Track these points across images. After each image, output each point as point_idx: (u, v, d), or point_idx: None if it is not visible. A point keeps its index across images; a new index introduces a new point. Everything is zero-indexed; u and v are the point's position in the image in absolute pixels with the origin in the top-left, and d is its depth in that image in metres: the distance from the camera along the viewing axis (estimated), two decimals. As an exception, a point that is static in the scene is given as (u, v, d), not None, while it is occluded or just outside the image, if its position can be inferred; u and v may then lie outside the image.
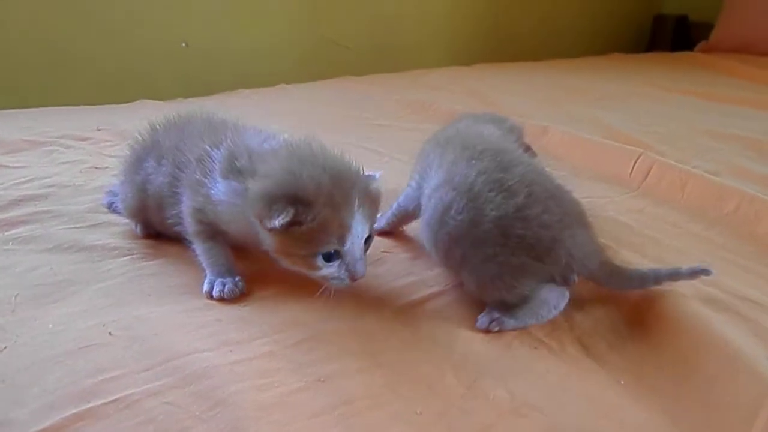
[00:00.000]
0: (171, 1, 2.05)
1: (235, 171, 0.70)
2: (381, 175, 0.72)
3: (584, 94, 1.80)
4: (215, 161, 0.72)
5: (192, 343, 0.59)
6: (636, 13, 3.18)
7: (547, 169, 0.74)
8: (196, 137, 0.77)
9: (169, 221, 0.77)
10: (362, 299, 0.69)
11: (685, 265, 0.66)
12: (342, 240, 0.65)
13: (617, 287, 0.68)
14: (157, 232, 0.84)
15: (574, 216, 0.67)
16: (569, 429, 0.51)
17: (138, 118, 1.45)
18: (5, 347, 0.58)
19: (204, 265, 0.73)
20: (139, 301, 0.67)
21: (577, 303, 0.69)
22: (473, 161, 0.69)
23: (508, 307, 0.65)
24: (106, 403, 0.50)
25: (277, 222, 0.61)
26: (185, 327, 0.62)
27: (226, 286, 0.69)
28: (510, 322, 0.64)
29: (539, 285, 0.65)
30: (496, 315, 0.64)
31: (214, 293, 0.69)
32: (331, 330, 0.63)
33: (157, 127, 0.84)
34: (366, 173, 0.70)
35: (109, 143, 1.28)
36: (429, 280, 0.74)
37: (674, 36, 3.00)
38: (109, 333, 0.60)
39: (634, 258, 0.76)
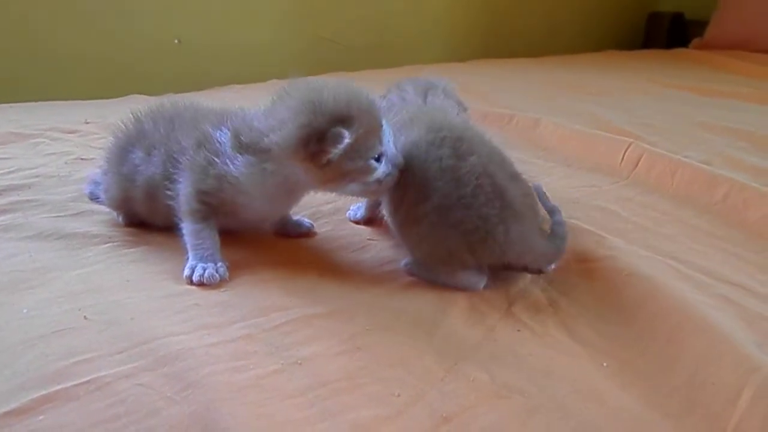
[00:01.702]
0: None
1: (244, 146, 0.71)
2: None
3: (579, 90, 1.79)
4: (221, 141, 0.72)
5: (168, 327, 0.58)
6: (631, 11, 3.18)
7: (504, 153, 0.73)
8: (189, 124, 0.77)
9: (164, 204, 0.76)
10: (344, 284, 0.69)
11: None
12: (381, 139, 0.68)
13: (557, 257, 0.69)
14: (140, 221, 0.83)
15: (515, 210, 0.67)
16: (551, 411, 0.50)
17: (127, 112, 1.45)
18: (-22, 332, 0.57)
19: (188, 246, 0.72)
20: (117, 287, 0.66)
21: (561, 286, 0.69)
22: (433, 147, 0.69)
23: None
24: (76, 385, 0.49)
25: (340, 148, 0.64)
26: (163, 311, 0.61)
27: (207, 271, 0.68)
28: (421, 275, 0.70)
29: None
30: (412, 262, 0.71)
31: (195, 278, 0.68)
32: (311, 314, 0.62)
33: (141, 117, 0.83)
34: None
35: (96, 135, 1.27)
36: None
37: (669, 33, 3.00)
38: (85, 317, 0.59)
39: (619, 243, 0.75)
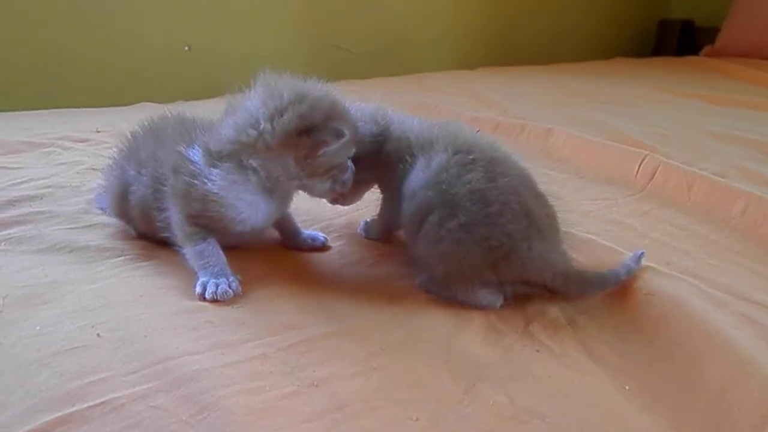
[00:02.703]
0: (173, 6, 2.05)
1: (216, 156, 0.71)
2: None
3: (589, 98, 1.78)
4: (195, 161, 0.72)
5: (182, 345, 0.57)
6: (640, 18, 3.17)
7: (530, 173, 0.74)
8: (170, 143, 0.76)
9: (158, 226, 0.76)
10: (359, 301, 0.68)
11: (627, 258, 0.70)
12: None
13: (577, 293, 0.68)
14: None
15: (539, 228, 0.67)
16: (571, 436, 0.49)
17: (136, 120, 1.45)
18: (-9, 349, 0.56)
19: (195, 267, 0.71)
20: (130, 302, 0.65)
21: (579, 304, 0.68)
22: (463, 169, 0.68)
23: None
24: (90, 407, 0.49)
25: (339, 145, 0.68)
26: (176, 329, 0.60)
27: (219, 287, 0.67)
28: (435, 291, 0.70)
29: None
30: (426, 279, 0.70)
31: (207, 294, 0.67)
32: (326, 332, 0.61)
33: (137, 132, 0.84)
34: None
35: (107, 145, 1.26)
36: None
37: (679, 41, 2.98)
38: (98, 334, 0.59)
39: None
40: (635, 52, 3.00)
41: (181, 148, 0.74)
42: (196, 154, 0.73)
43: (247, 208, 0.72)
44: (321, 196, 0.78)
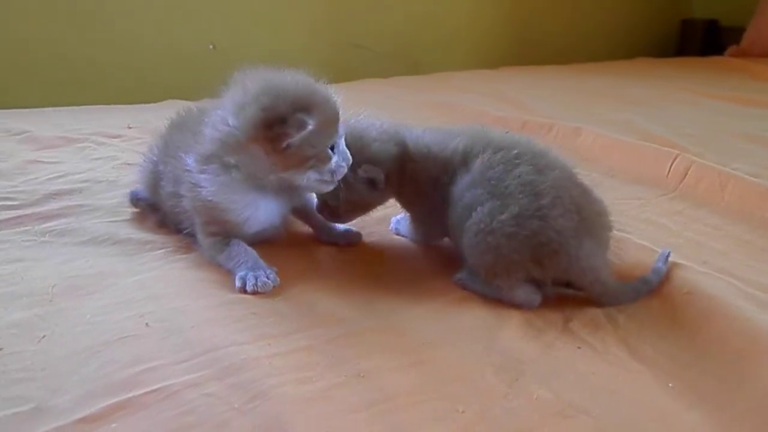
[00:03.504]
0: (198, 7, 2.08)
1: (203, 159, 0.71)
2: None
3: (614, 98, 1.77)
4: (191, 168, 0.72)
5: (229, 335, 0.59)
6: (662, 18, 3.14)
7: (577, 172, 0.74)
8: (186, 142, 0.76)
9: (184, 225, 0.78)
10: (398, 297, 0.68)
11: (656, 261, 0.71)
12: (338, 130, 0.70)
13: (608, 304, 0.67)
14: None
15: (590, 227, 0.68)
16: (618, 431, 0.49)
17: (166, 117, 1.47)
18: (44, 336, 0.58)
19: (229, 267, 0.72)
20: (174, 294, 0.67)
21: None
22: (509, 164, 0.69)
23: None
24: (146, 393, 0.50)
25: (302, 134, 0.65)
26: (222, 320, 0.62)
27: (259, 279, 0.68)
28: (473, 288, 0.70)
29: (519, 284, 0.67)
30: (465, 276, 0.70)
31: (248, 287, 0.68)
32: (368, 327, 0.62)
33: (167, 127, 0.87)
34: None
35: (140, 140, 1.28)
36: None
37: (703, 40, 2.95)
38: (146, 324, 0.60)
39: (674, 259, 0.74)
40: (657, 53, 2.97)
41: (182, 153, 0.74)
42: (191, 160, 0.73)
43: (246, 208, 0.72)
44: (312, 190, 0.76)
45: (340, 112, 0.71)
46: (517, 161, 0.69)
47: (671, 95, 1.81)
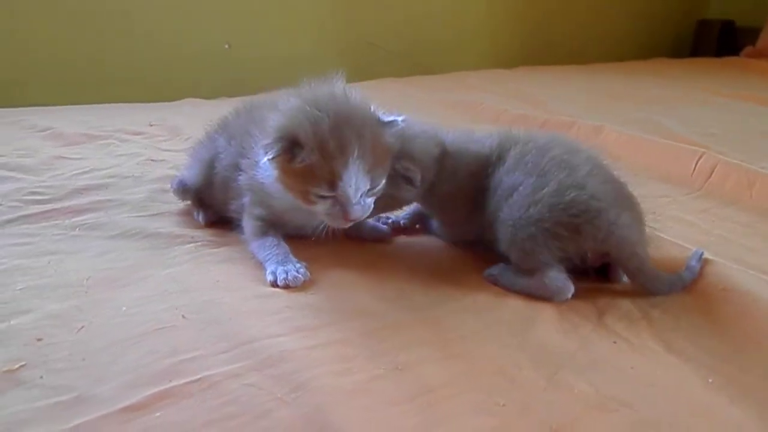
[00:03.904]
0: (213, 8, 2.09)
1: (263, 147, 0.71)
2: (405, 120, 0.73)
3: (633, 97, 1.76)
4: (258, 157, 0.73)
5: (265, 328, 0.59)
6: (677, 19, 3.12)
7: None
8: (256, 126, 0.77)
9: (231, 202, 0.79)
10: (429, 291, 0.68)
11: (689, 259, 0.71)
12: (333, 186, 0.67)
13: (642, 285, 0.68)
14: (217, 219, 0.84)
15: (627, 204, 0.70)
16: (662, 425, 0.49)
17: (185, 115, 1.49)
18: (82, 327, 0.58)
19: (260, 258, 0.73)
20: (208, 287, 0.67)
21: (651, 298, 0.67)
22: (543, 149, 0.72)
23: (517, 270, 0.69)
24: (187, 383, 0.50)
25: (269, 155, 0.66)
26: (256, 312, 0.62)
27: (289, 274, 0.68)
28: (504, 283, 0.70)
29: (554, 265, 0.67)
30: (496, 272, 0.71)
31: (279, 281, 0.68)
32: (402, 320, 0.62)
33: (230, 113, 0.87)
34: (386, 119, 0.71)
35: (161, 138, 1.30)
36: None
37: (719, 41, 2.93)
38: (183, 316, 0.60)
39: (706, 256, 0.73)
40: (672, 53, 2.96)
41: (250, 141, 0.76)
42: (256, 143, 0.74)
43: (289, 202, 0.73)
44: (326, 220, 0.72)
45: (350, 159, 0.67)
46: (551, 145, 0.72)
47: (690, 95, 1.80)
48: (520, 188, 0.69)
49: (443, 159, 0.76)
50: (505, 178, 0.72)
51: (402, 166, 0.73)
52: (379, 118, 0.72)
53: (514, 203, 0.69)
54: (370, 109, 0.72)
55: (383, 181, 0.72)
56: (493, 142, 0.77)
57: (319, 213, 0.70)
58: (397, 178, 0.74)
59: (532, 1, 2.71)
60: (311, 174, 0.67)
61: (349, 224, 0.71)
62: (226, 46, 2.17)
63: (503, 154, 0.75)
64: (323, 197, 0.68)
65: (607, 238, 0.66)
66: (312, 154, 0.66)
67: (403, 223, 0.87)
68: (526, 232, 0.67)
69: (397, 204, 0.81)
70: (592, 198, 0.66)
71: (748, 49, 2.63)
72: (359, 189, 0.68)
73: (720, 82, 1.99)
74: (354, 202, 0.68)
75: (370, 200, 0.71)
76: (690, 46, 3.09)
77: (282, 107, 0.71)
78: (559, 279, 0.66)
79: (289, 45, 2.25)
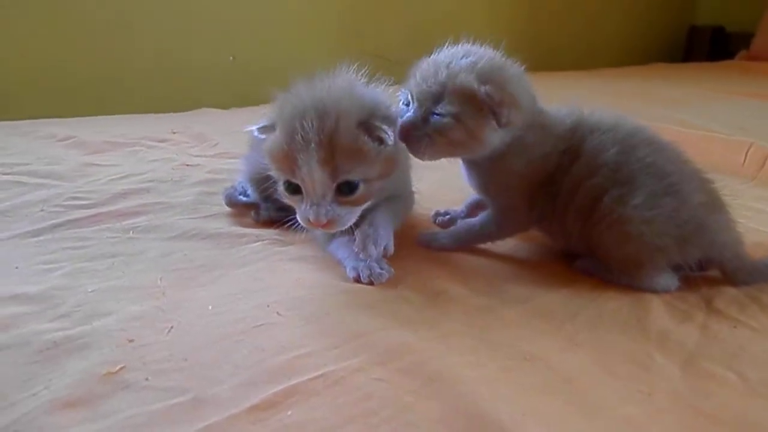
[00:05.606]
0: (220, 20, 2.07)
1: None
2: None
3: (648, 98, 1.76)
4: None
5: (369, 321, 0.55)
6: (669, 25, 3.18)
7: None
8: None
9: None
10: (528, 283, 0.65)
11: None
12: (293, 174, 0.62)
13: (743, 281, 0.65)
14: (272, 219, 0.80)
15: (718, 201, 0.66)
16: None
17: (204, 123, 1.44)
18: (171, 327, 0.54)
19: (340, 257, 0.69)
20: (291, 284, 0.63)
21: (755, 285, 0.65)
22: (626, 146, 0.65)
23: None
24: (310, 380, 0.46)
25: (250, 127, 0.67)
26: (354, 307, 0.58)
27: (373, 270, 0.64)
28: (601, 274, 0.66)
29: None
30: (585, 263, 0.67)
31: (363, 278, 0.64)
32: (507, 312, 0.58)
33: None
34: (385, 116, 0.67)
35: (188, 144, 1.25)
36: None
37: (710, 47, 2.99)
38: (277, 313, 0.56)
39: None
40: (665, 59, 3.00)
41: None
42: None
43: None
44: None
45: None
46: (633, 141, 0.66)
47: (703, 94, 1.81)
48: (605, 199, 0.63)
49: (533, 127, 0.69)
50: (585, 182, 0.65)
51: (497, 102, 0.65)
52: (375, 114, 0.67)
53: (604, 217, 0.63)
54: (369, 105, 0.68)
55: (361, 185, 0.63)
56: (566, 124, 0.70)
57: (297, 211, 0.64)
58: (478, 117, 0.65)
59: (530, 13, 2.74)
60: (278, 160, 0.63)
61: (319, 228, 0.63)
62: (231, 59, 2.15)
63: (578, 143, 0.67)
64: (295, 192, 0.64)
65: (712, 245, 0.63)
66: (282, 138, 0.62)
67: (462, 216, 0.81)
68: (628, 250, 0.62)
69: (458, 150, 0.68)
70: (692, 206, 0.62)
71: (743, 53, 2.68)
72: (316, 179, 0.61)
73: (726, 83, 2.01)
74: (316, 192, 0.61)
75: (346, 210, 0.63)
76: (682, 52, 3.15)
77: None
78: (665, 279, 0.64)
79: (292, 56, 2.23)
